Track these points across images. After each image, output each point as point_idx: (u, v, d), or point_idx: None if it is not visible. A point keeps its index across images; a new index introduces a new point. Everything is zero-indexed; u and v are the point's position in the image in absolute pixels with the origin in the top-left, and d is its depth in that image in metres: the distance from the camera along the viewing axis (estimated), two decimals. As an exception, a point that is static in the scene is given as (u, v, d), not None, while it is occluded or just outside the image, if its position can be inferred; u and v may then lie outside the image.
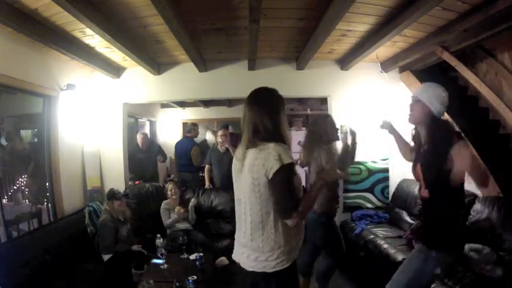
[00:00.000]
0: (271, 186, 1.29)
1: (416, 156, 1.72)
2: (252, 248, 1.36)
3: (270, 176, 1.27)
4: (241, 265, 1.41)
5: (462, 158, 1.45)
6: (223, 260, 2.74)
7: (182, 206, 3.18)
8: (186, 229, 3.05)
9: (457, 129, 1.64)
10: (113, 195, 2.85)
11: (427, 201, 1.63)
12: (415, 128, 1.72)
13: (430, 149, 1.58)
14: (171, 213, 3.12)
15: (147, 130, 6.26)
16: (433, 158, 1.55)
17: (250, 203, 1.36)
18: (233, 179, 1.49)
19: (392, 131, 1.98)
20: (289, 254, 1.34)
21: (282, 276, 1.33)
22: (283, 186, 1.28)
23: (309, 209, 1.41)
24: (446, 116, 2.48)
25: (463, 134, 1.55)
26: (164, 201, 3.21)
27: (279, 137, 1.35)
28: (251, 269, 1.36)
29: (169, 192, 3.23)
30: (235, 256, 1.47)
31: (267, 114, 1.37)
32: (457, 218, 1.57)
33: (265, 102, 1.43)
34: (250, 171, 1.33)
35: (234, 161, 1.48)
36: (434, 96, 1.58)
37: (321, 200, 2.16)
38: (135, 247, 2.73)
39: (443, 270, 1.65)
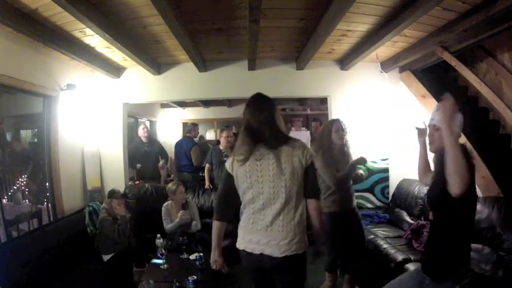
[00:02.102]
0: (310, 172, 1.50)
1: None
2: (283, 234, 1.46)
3: (309, 163, 1.49)
4: (268, 254, 1.47)
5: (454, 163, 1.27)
6: None
7: (184, 210, 3.05)
8: (191, 232, 2.98)
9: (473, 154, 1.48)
10: (113, 194, 2.86)
11: (431, 224, 1.54)
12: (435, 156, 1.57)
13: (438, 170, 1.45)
14: (172, 217, 3.02)
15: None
16: (437, 176, 1.43)
17: (285, 191, 1.46)
18: (249, 179, 1.51)
19: (423, 143, 1.76)
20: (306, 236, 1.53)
21: (305, 257, 1.51)
22: (315, 173, 1.54)
23: (319, 215, 1.57)
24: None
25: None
26: (164, 205, 3.07)
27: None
28: (283, 255, 1.44)
29: (180, 196, 3.06)
30: (256, 249, 1.50)
31: (277, 115, 1.54)
32: (460, 244, 1.41)
33: (272, 106, 1.57)
34: (286, 165, 1.46)
35: (251, 162, 1.50)
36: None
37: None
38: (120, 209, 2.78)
39: None
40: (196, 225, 3.07)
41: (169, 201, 3.10)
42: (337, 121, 2.46)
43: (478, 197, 2.40)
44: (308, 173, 1.50)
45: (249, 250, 1.52)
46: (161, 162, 4.31)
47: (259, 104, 1.55)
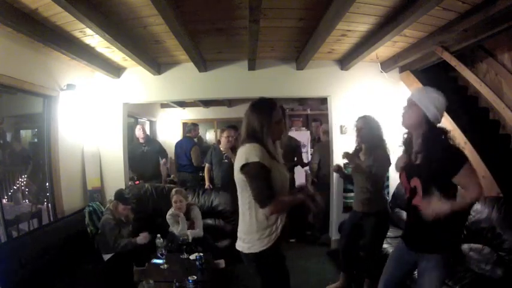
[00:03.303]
0: (247, 181, 1.50)
1: (408, 166, 1.60)
2: (240, 231, 1.62)
3: (239, 171, 1.51)
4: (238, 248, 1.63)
5: (472, 181, 1.37)
6: (220, 263, 2.73)
7: (188, 216, 2.94)
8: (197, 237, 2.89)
9: (454, 137, 1.48)
10: (121, 197, 2.80)
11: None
12: (408, 133, 1.63)
13: (428, 162, 1.45)
14: (178, 220, 2.90)
15: (147, 130, 6.25)
16: (435, 173, 1.42)
17: (238, 194, 1.62)
18: None
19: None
20: (266, 238, 1.52)
21: (261, 256, 1.53)
22: (251, 180, 1.49)
23: (281, 210, 1.54)
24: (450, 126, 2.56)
25: (463, 141, 1.50)
26: (168, 213, 2.96)
27: (261, 139, 1.53)
28: (238, 248, 1.61)
29: (174, 204, 2.94)
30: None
31: (257, 120, 1.54)
32: (457, 225, 1.50)
33: (258, 111, 1.58)
34: (235, 167, 1.56)
35: None
36: (430, 100, 1.46)
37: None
38: (140, 238, 2.69)
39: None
40: (198, 233, 2.93)
41: (172, 209, 2.97)
42: (357, 119, 2.49)
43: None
44: (245, 180, 1.51)
45: None
46: (163, 161, 4.33)
47: (249, 106, 1.62)
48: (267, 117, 1.54)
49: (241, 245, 1.59)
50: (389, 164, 2.35)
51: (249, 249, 1.55)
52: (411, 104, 1.52)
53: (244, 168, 1.49)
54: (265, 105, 1.59)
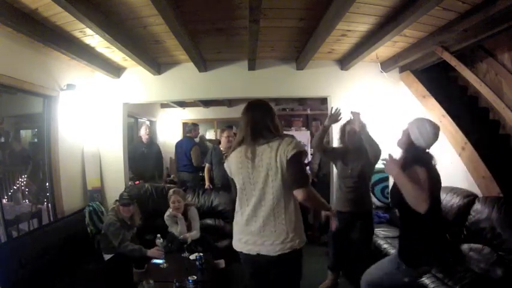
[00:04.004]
0: (290, 165, 1.47)
1: None
2: (276, 234, 1.49)
3: (289, 157, 1.46)
4: (264, 254, 1.51)
5: (414, 180, 1.50)
6: (220, 263, 2.73)
7: (186, 217, 2.92)
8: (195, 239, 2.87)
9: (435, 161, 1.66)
10: (119, 198, 2.80)
11: (399, 218, 1.79)
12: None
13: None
14: (177, 221, 2.89)
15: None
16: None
17: (272, 191, 1.50)
18: (241, 178, 1.58)
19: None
20: (303, 232, 1.57)
21: (301, 253, 1.55)
22: (299, 165, 1.49)
23: (314, 203, 1.61)
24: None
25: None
26: (166, 214, 2.93)
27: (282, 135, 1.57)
28: (277, 253, 1.48)
29: (172, 205, 2.91)
30: (252, 250, 1.55)
31: (270, 118, 1.58)
32: (425, 235, 1.60)
33: (266, 109, 1.63)
34: (273, 162, 1.49)
35: (240, 159, 1.57)
36: (417, 127, 1.67)
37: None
38: (153, 251, 2.61)
39: (412, 282, 1.69)
40: (194, 235, 2.89)
41: (169, 210, 2.94)
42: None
43: (478, 197, 2.43)
44: (289, 166, 1.47)
45: (245, 251, 1.57)
46: None
47: (249, 107, 1.64)
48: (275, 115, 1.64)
49: (291, 245, 1.49)
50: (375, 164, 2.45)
51: (300, 243, 1.53)
52: (405, 128, 1.75)
53: (298, 155, 1.48)
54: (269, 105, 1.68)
